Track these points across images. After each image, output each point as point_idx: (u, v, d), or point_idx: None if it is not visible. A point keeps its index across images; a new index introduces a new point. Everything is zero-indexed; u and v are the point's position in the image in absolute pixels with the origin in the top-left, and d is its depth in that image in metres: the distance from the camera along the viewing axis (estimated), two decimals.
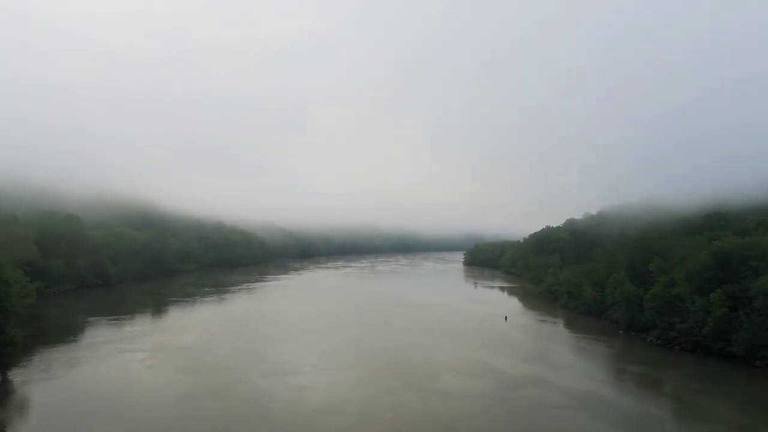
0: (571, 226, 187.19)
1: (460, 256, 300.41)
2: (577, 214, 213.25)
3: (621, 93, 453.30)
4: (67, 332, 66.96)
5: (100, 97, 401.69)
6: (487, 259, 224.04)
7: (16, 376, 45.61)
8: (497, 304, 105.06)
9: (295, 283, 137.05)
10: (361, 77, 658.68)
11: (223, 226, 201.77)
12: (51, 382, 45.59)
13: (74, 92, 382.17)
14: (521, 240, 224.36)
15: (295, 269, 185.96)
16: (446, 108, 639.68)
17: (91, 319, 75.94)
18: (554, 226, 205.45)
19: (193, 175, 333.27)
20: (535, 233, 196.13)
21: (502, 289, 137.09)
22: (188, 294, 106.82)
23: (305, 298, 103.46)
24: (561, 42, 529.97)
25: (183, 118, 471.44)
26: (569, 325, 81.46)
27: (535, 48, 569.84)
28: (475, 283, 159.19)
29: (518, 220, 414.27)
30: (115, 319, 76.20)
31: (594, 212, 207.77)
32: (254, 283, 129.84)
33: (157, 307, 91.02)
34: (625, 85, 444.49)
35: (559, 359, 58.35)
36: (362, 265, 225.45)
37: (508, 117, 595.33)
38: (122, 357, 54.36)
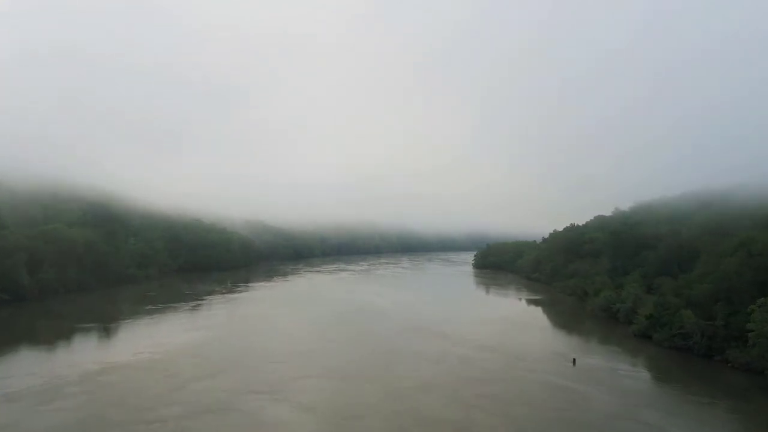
0: (603, 224, 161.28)
1: (466, 257, 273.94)
2: (600, 211, 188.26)
3: (672, 76, 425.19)
4: None
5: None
6: (501, 261, 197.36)
7: None
8: (539, 329, 78.28)
9: (274, 296, 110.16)
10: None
11: (201, 224, 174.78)
12: None
13: None
14: (536, 241, 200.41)
15: (283, 274, 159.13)
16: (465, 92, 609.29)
17: None
18: (579, 224, 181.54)
19: (169, 164, 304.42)
20: (559, 232, 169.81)
21: (531, 302, 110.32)
22: (107, 317, 77.48)
23: (279, 324, 76.02)
24: (609, 18, 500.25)
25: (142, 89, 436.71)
26: (672, 374, 53.97)
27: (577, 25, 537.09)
28: (498, 293, 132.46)
29: (527, 219, 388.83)
30: None
31: (625, 208, 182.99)
32: (219, 296, 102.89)
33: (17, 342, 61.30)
34: (679, 68, 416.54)
35: None
36: (361, 268, 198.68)
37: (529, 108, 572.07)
38: None
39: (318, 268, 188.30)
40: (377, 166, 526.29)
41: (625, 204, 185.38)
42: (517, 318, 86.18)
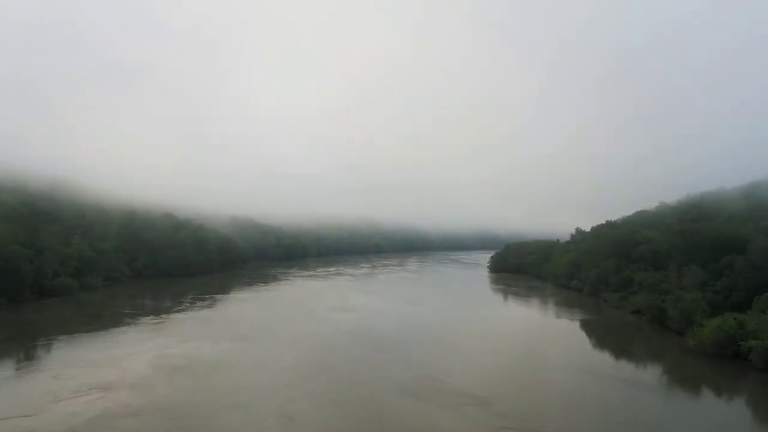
0: (651, 221, 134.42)
1: (478, 258, 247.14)
2: (629, 207, 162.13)
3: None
4: None
5: None
6: (523, 264, 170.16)
7: None
8: (645, 389, 51.10)
9: (246, 316, 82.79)
10: None
11: (172, 220, 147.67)
12: None
13: None
14: (559, 240, 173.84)
15: (268, 280, 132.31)
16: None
17: None
18: (613, 220, 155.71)
19: (139, 152, 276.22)
20: (599, 230, 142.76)
21: (588, 324, 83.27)
22: None
23: (234, 382, 48.15)
24: None
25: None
26: None
27: None
28: (539, 308, 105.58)
29: (542, 215, 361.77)
30: None
31: (672, 202, 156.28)
32: (162, 318, 75.54)
33: None
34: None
35: None
36: (361, 271, 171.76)
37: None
38: None
39: (311, 272, 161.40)
40: (379, 157, 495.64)
41: (669, 197, 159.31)
42: (599, 364, 58.77)
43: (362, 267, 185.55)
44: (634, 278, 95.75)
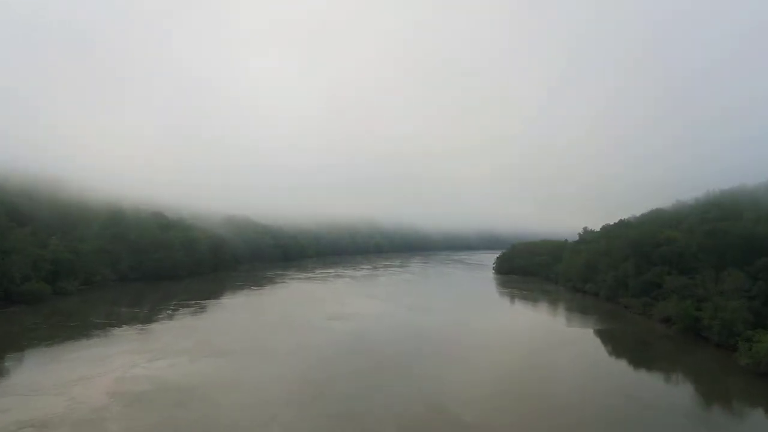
0: (668, 220, 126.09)
1: (481, 258, 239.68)
2: (637, 206, 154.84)
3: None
4: None
5: None
6: (531, 266, 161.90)
7: None
8: (687, 416, 43.01)
9: (233, 326, 74.81)
10: None
11: (161, 219, 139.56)
12: None
13: None
14: (566, 240, 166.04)
15: (262, 283, 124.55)
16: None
17: None
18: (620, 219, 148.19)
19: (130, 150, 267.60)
20: (614, 229, 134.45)
21: (614, 335, 75.25)
22: None
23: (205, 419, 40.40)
24: None
25: None
26: None
27: None
28: (554, 316, 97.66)
29: (546, 214, 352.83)
30: None
31: (688, 200, 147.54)
32: (139, 328, 67.65)
33: None
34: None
35: None
36: (361, 273, 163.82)
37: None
38: None
39: (309, 273, 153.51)
40: (380, 153, 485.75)
41: (684, 196, 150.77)
42: (637, 387, 50.49)
43: (362, 268, 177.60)
44: (661, 282, 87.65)
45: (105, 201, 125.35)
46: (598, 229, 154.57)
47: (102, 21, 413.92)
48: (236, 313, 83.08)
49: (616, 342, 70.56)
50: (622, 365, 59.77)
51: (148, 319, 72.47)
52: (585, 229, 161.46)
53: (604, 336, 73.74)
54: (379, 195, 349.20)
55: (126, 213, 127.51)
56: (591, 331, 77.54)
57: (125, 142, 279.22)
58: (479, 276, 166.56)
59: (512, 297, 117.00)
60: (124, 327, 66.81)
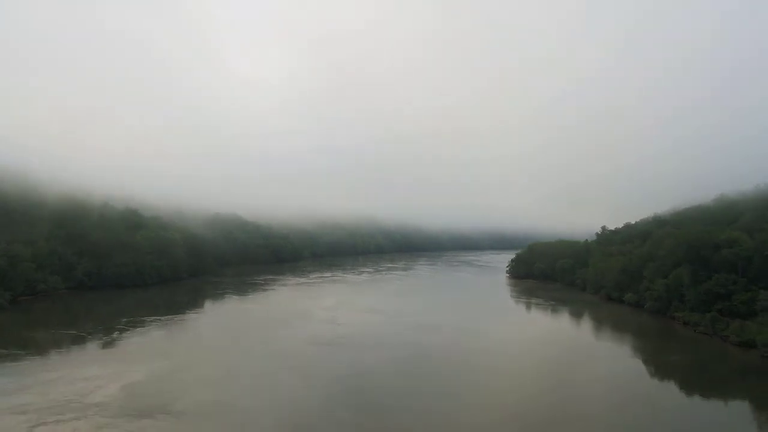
0: (713, 217, 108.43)
1: (490, 259, 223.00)
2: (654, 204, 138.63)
3: None
4: None
5: None
6: (551, 269, 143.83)
7: None
8: None
9: (175, 359, 57.28)
10: None
11: (134, 216, 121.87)
12: None
13: None
14: (580, 240, 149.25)
15: (245, 291, 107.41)
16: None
17: None
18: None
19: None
20: (653, 225, 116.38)
21: (687, 368, 57.36)
22: None
23: None
24: None
25: None
26: None
27: None
28: (604, 339, 79.49)
29: (558, 206, 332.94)
30: None
31: (733, 194, 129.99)
32: (38, 362, 50.16)
33: None
34: None
35: None
36: (361, 276, 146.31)
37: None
38: None
39: (303, 278, 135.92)
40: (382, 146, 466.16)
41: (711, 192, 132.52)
42: None
43: (363, 272, 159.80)
44: (729, 292, 70.14)
45: (62, 195, 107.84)
46: (618, 228, 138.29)
47: None
48: (199, 335, 65.34)
49: (693, 378, 52.66)
50: (713, 415, 41.90)
51: (71, 346, 54.86)
52: (603, 228, 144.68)
53: (675, 368, 55.86)
54: (381, 184, 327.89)
55: (88, 209, 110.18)
56: (651, 359, 59.67)
57: (94, 129, 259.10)
58: (493, 280, 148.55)
59: (537, 308, 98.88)
60: (37, 358, 49.16)
